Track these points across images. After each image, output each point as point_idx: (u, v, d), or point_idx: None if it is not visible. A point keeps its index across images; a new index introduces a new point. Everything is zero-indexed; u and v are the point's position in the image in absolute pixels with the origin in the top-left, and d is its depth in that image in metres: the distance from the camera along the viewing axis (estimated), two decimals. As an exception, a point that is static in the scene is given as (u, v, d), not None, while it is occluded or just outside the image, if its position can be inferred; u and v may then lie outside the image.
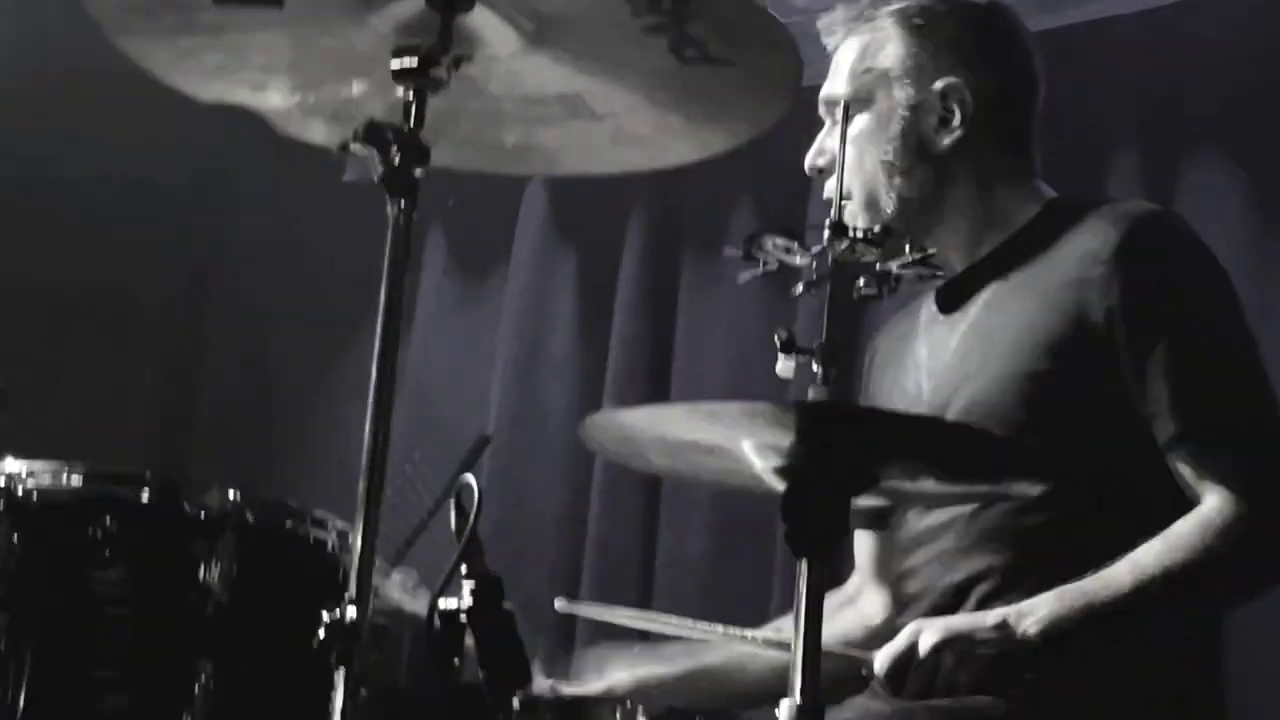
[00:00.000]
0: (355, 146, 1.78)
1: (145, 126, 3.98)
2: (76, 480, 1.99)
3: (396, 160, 1.77)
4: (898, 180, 2.33)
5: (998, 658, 2.12)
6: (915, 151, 2.34)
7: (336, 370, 4.30)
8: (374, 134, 1.77)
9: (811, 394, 1.85)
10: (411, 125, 1.80)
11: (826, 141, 2.38)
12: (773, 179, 3.37)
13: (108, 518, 1.96)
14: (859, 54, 2.37)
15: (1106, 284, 2.19)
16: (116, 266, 4.39)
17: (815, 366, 1.85)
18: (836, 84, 2.38)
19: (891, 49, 2.37)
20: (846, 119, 2.24)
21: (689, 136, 2.05)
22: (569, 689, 2.39)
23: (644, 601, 3.55)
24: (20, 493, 1.97)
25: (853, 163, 2.31)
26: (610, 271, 3.91)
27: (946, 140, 2.34)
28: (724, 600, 3.48)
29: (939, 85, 2.34)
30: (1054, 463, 1.93)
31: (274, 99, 2.04)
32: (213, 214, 4.51)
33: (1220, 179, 3.18)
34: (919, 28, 2.37)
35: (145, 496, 2.01)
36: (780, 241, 1.87)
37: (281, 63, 1.99)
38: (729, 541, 3.57)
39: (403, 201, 1.79)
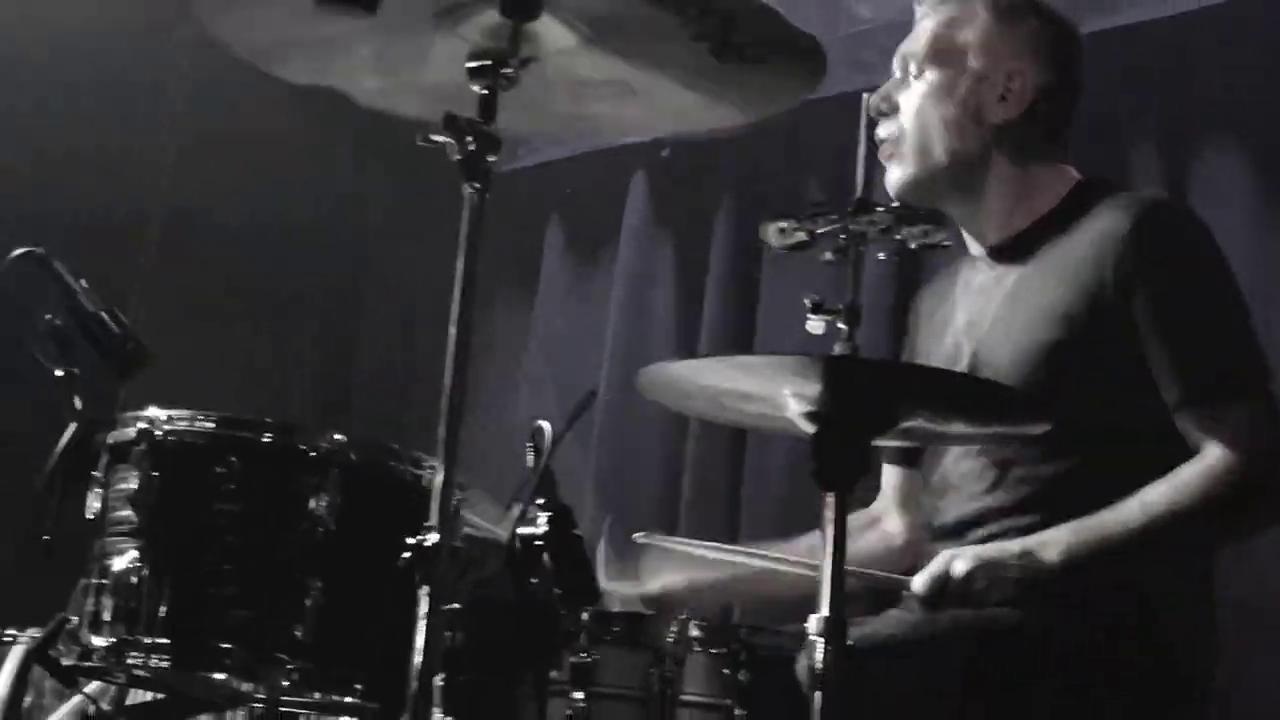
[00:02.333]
0: (435, 136, 1.83)
1: (303, 155, 4.39)
2: (208, 424, 2.10)
3: (472, 148, 1.81)
4: (951, 136, 2.37)
5: (1021, 580, 2.17)
6: (973, 116, 2.38)
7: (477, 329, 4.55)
8: (452, 125, 1.81)
9: (836, 349, 1.90)
10: (484, 118, 1.84)
11: (893, 90, 2.42)
12: (838, 159, 3.35)
13: (234, 457, 2.07)
14: (945, 22, 2.42)
15: (1119, 260, 2.23)
16: (298, 264, 4.65)
17: (840, 325, 1.91)
18: (917, 43, 2.42)
19: (977, 26, 2.41)
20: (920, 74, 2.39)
21: (714, 110, 2.09)
22: (630, 588, 2.47)
23: (732, 535, 3.61)
24: (159, 435, 2.08)
25: (917, 110, 2.39)
26: (702, 249, 4.00)
27: (1001, 115, 2.39)
28: (801, 531, 3.61)
29: (1008, 67, 2.39)
30: (1044, 410, 1.99)
31: (365, 84, 2.11)
32: (364, 217, 4.75)
33: (1230, 174, 3.20)
34: (1006, 16, 2.43)
35: (266, 438, 2.11)
36: (785, 224, 1.97)
37: (369, 58, 2.04)
38: (805, 479, 3.66)
39: (477, 184, 1.83)
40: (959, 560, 2.16)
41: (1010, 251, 2.41)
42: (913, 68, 2.41)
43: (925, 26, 2.44)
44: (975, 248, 2.47)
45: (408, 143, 1.96)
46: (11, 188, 4.51)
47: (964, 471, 2.37)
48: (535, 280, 4.36)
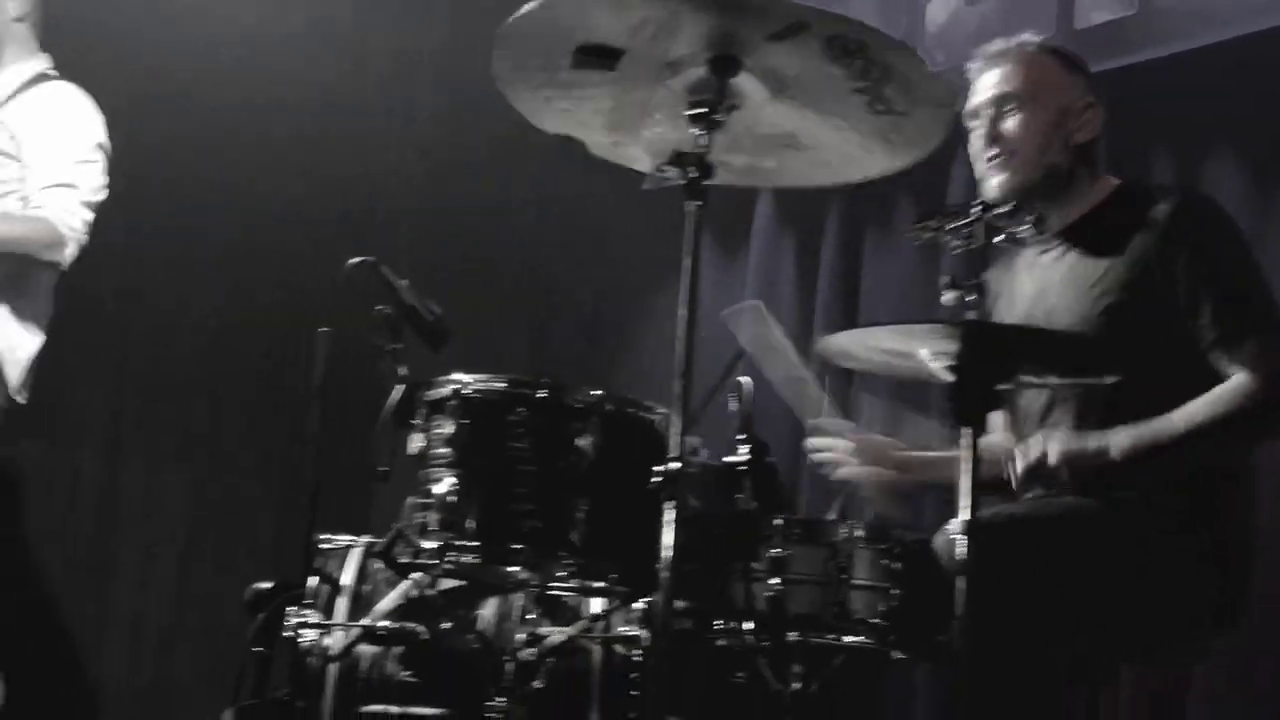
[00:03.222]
0: (667, 168, 1.98)
1: (522, 163, 4.47)
2: (501, 384, 2.20)
3: (693, 176, 1.95)
4: (1048, 154, 2.45)
5: (1092, 469, 2.27)
6: (1062, 139, 2.47)
7: (640, 308, 4.71)
8: (679, 159, 1.97)
9: (968, 315, 2.02)
10: (701, 152, 1.96)
11: (996, 120, 2.47)
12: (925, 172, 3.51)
13: (520, 408, 2.18)
14: (1027, 71, 2.49)
15: (1163, 237, 2.34)
16: (513, 252, 4.85)
17: (968, 298, 2.03)
18: (1011, 84, 2.47)
19: (1054, 73, 2.51)
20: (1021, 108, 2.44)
21: (865, 162, 2.17)
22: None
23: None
24: (466, 393, 2.19)
25: (1022, 135, 2.45)
26: (815, 245, 4.07)
27: (1080, 138, 2.49)
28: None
29: (1083, 101, 2.49)
30: (1126, 361, 2.12)
31: (597, 133, 2.21)
32: (564, 214, 4.84)
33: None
34: (1071, 66, 2.54)
35: (543, 394, 2.19)
36: (933, 222, 2.10)
37: (605, 107, 2.13)
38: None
39: (697, 203, 1.95)
40: (1053, 445, 2.24)
41: (1069, 235, 2.49)
42: (1012, 103, 2.47)
43: (1007, 73, 2.50)
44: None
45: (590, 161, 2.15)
46: (289, 197, 4.77)
47: (1046, 404, 2.45)
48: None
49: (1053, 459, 2.23)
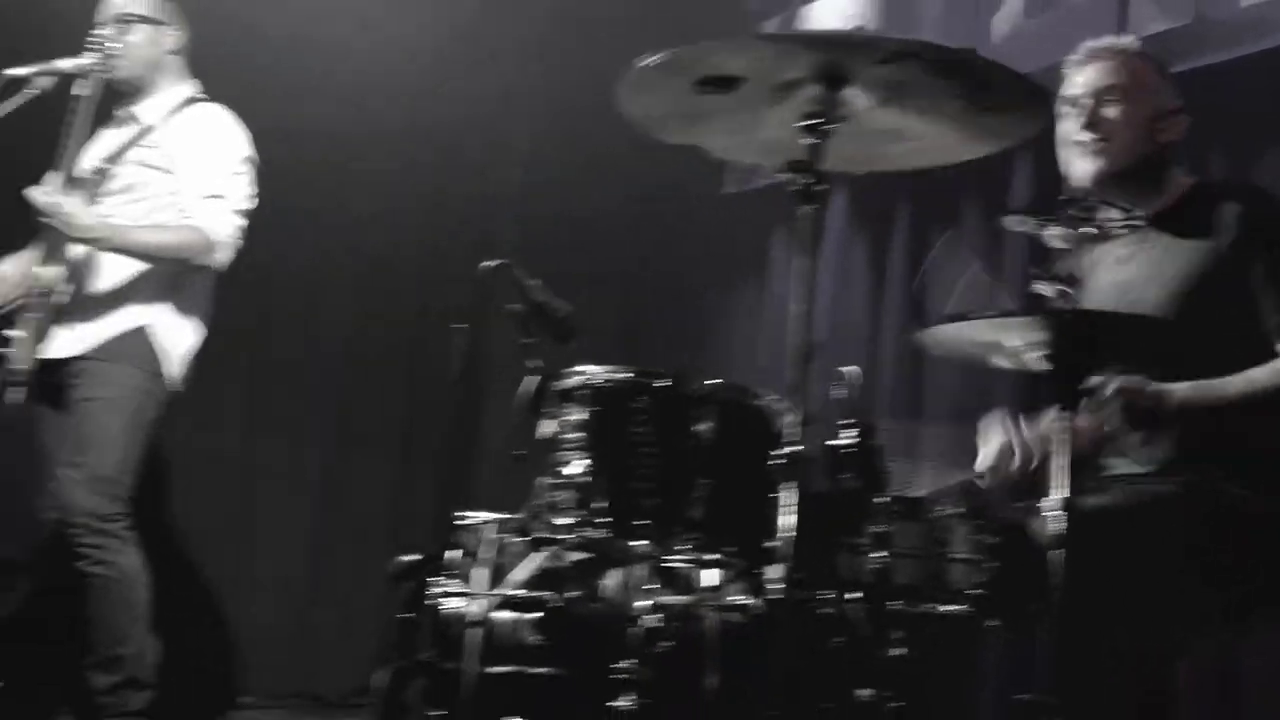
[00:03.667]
0: (783, 174, 1.96)
1: (620, 168, 4.49)
2: (627, 375, 2.22)
3: (807, 181, 1.94)
4: (1140, 145, 2.41)
5: (1149, 412, 2.22)
6: (1153, 134, 2.43)
7: (725, 303, 4.70)
8: (795, 166, 1.94)
9: (1065, 306, 1.96)
10: (813, 159, 1.95)
11: (1095, 110, 2.42)
12: (987, 172, 3.47)
13: (645, 396, 2.20)
14: (1127, 69, 2.44)
15: (1237, 230, 2.30)
16: (609, 250, 4.84)
17: (1061, 288, 1.96)
18: (1112, 78, 2.43)
19: (1149, 74, 2.46)
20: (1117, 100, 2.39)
21: (959, 148, 2.15)
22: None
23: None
24: (595, 383, 2.22)
25: (1121, 126, 2.41)
26: (885, 244, 4.05)
27: (1168, 136, 2.45)
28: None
29: (1172, 104, 2.46)
30: (1207, 345, 2.09)
31: (715, 139, 2.25)
32: (654, 215, 4.88)
33: None
34: (1159, 70, 2.49)
35: (664, 384, 2.21)
36: (1034, 219, 2.04)
37: (727, 122, 2.12)
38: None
39: (811, 206, 1.93)
40: (1113, 380, 2.18)
41: (1150, 229, 2.42)
42: (1114, 95, 2.43)
43: (1110, 67, 2.46)
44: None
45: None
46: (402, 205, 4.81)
47: None
48: (767, 269, 4.45)
49: (1110, 390, 2.17)
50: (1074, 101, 2.47)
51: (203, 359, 3.36)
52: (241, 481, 5.03)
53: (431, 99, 4.80)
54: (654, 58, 1.93)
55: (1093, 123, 2.44)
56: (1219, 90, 3.24)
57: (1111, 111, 2.44)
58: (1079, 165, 2.45)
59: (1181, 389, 2.23)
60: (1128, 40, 2.53)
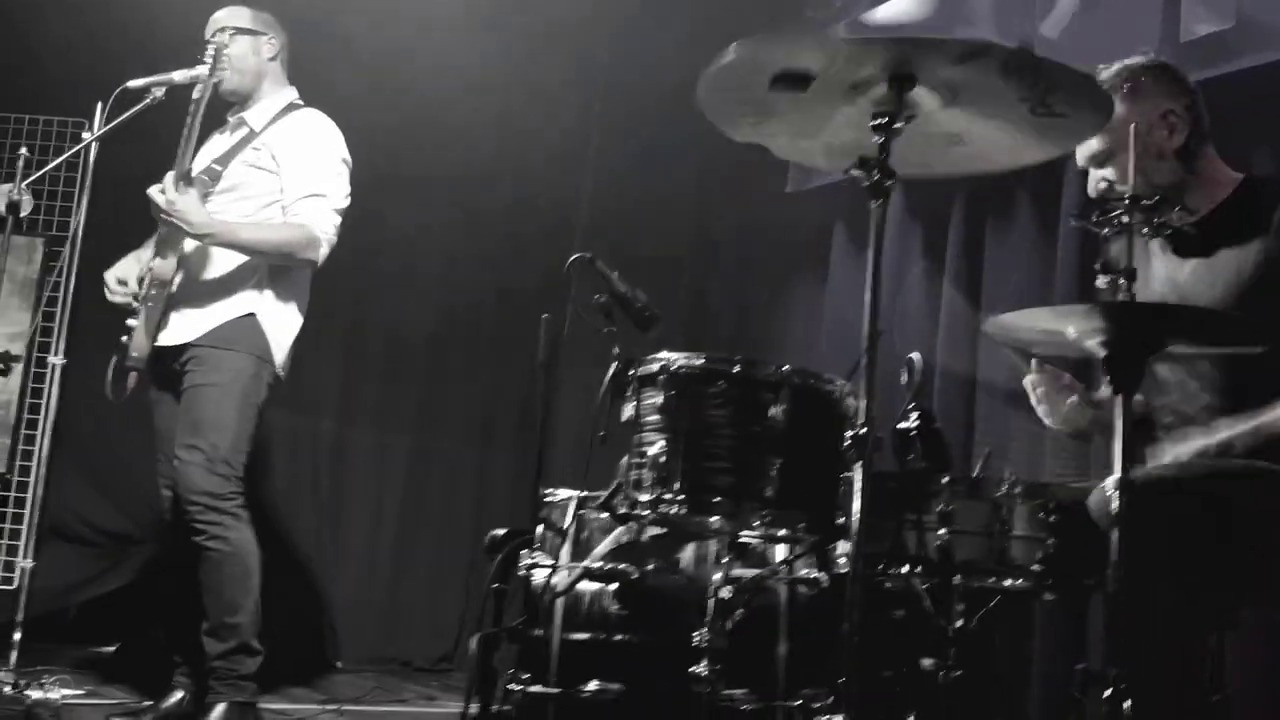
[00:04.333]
0: (853, 170, 1.97)
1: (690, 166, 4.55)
2: (702, 361, 2.23)
3: (876, 177, 1.94)
4: (1153, 179, 2.35)
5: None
6: (1159, 159, 2.38)
7: (786, 294, 4.70)
8: (863, 164, 1.96)
9: (1120, 297, 1.98)
10: (882, 156, 1.93)
11: (1097, 184, 2.43)
12: (1040, 172, 3.38)
13: (721, 381, 2.22)
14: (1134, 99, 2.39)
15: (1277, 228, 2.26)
16: (679, 244, 4.89)
17: (1120, 282, 1.99)
18: (1094, 145, 2.40)
19: (1130, 109, 2.36)
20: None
21: (1017, 153, 2.11)
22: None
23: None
24: (673, 369, 2.24)
25: (1123, 178, 2.35)
26: (942, 237, 3.99)
27: (1173, 145, 2.39)
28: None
29: (1163, 108, 2.38)
30: (1263, 336, 2.03)
31: (781, 139, 2.18)
32: (722, 212, 4.90)
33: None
34: (1155, 78, 2.42)
35: (738, 370, 2.23)
36: (1095, 216, 2.04)
37: (795, 120, 2.08)
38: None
39: (881, 200, 1.94)
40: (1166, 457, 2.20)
41: (1199, 226, 2.39)
42: (1104, 158, 2.41)
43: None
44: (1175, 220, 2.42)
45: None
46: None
47: (1179, 378, 2.40)
48: (827, 262, 4.44)
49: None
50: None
51: (302, 349, 3.45)
52: (334, 463, 5.14)
53: (506, 95, 4.87)
54: (734, 51, 1.91)
55: (1101, 194, 2.42)
56: (1265, 91, 3.19)
57: (1110, 171, 2.42)
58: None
59: (1219, 436, 2.22)
60: (1114, 68, 2.44)
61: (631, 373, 2.29)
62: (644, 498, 2.21)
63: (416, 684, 4.55)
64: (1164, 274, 2.47)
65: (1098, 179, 2.45)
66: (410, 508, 5.21)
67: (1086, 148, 2.45)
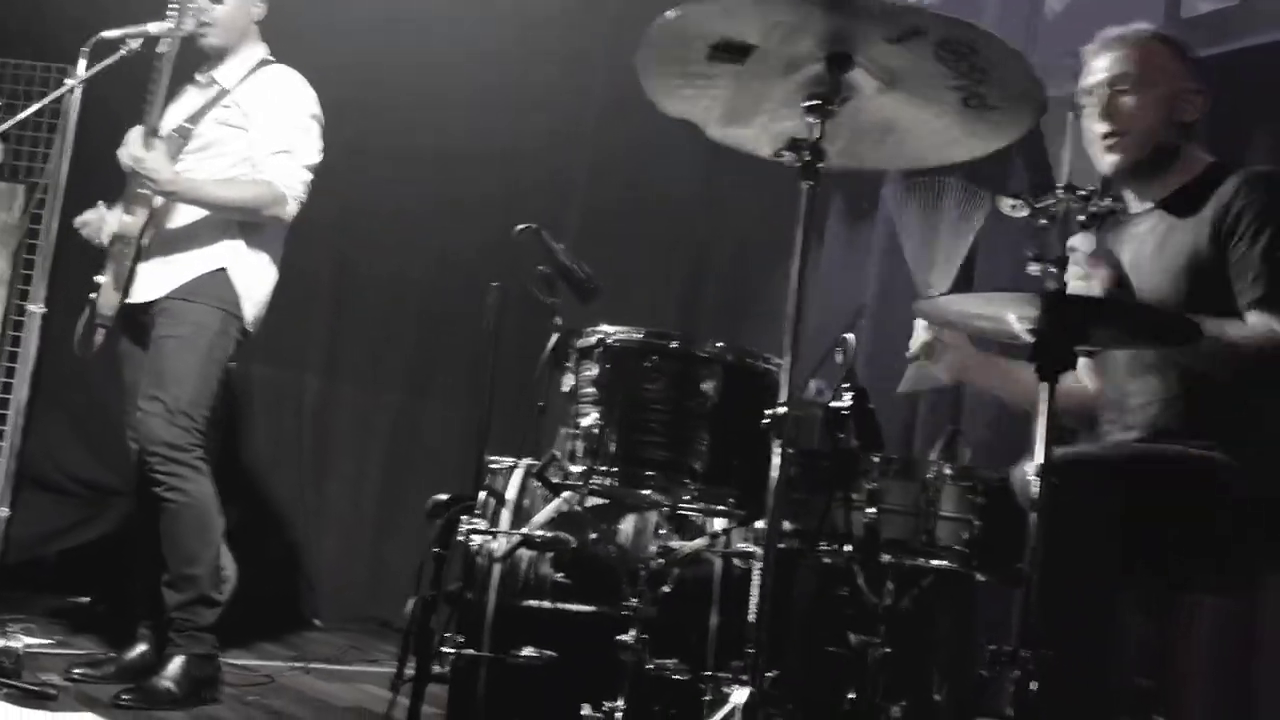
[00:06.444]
0: (784, 154, 1.99)
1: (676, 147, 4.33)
2: (639, 335, 2.27)
3: (808, 158, 1.96)
4: (1160, 133, 2.43)
5: None
6: (1169, 120, 2.45)
7: (771, 270, 4.72)
8: (794, 145, 1.98)
9: (1049, 286, 2.03)
10: (815, 139, 1.97)
11: (1110, 101, 2.44)
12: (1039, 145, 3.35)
13: (655, 356, 2.25)
14: (1141, 55, 2.45)
15: (1228, 207, 2.32)
16: (666, 224, 4.90)
17: (1050, 270, 2.04)
18: (1124, 67, 2.44)
19: (1165, 57, 2.46)
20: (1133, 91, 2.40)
21: (946, 149, 2.16)
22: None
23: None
24: (610, 342, 2.27)
25: (1138, 115, 2.43)
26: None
27: (1188, 117, 2.46)
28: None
29: (1190, 85, 2.46)
30: (1184, 327, 2.06)
31: (713, 119, 2.19)
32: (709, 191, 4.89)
33: None
34: (1179, 53, 2.49)
35: (674, 345, 2.27)
36: (1014, 201, 2.09)
37: (728, 98, 2.12)
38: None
39: (812, 183, 1.96)
40: None
41: (1165, 206, 2.46)
42: (1127, 84, 2.44)
43: (1122, 56, 2.46)
44: (1137, 205, 2.52)
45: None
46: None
47: (1130, 363, 2.47)
48: (822, 235, 4.46)
49: None
50: (1090, 90, 2.49)
51: (287, 304, 3.49)
52: (319, 420, 5.23)
53: (502, 67, 4.90)
54: (672, 12, 1.92)
55: (1109, 113, 2.45)
56: (1267, 70, 3.20)
57: (1126, 100, 2.45)
58: (1103, 159, 2.47)
59: None
60: (1141, 26, 2.52)
61: (571, 344, 2.34)
62: (576, 469, 2.26)
63: (392, 644, 4.60)
64: (1128, 258, 2.51)
65: (1103, 147, 2.47)
66: (395, 466, 5.26)
67: (1101, 68, 2.47)
